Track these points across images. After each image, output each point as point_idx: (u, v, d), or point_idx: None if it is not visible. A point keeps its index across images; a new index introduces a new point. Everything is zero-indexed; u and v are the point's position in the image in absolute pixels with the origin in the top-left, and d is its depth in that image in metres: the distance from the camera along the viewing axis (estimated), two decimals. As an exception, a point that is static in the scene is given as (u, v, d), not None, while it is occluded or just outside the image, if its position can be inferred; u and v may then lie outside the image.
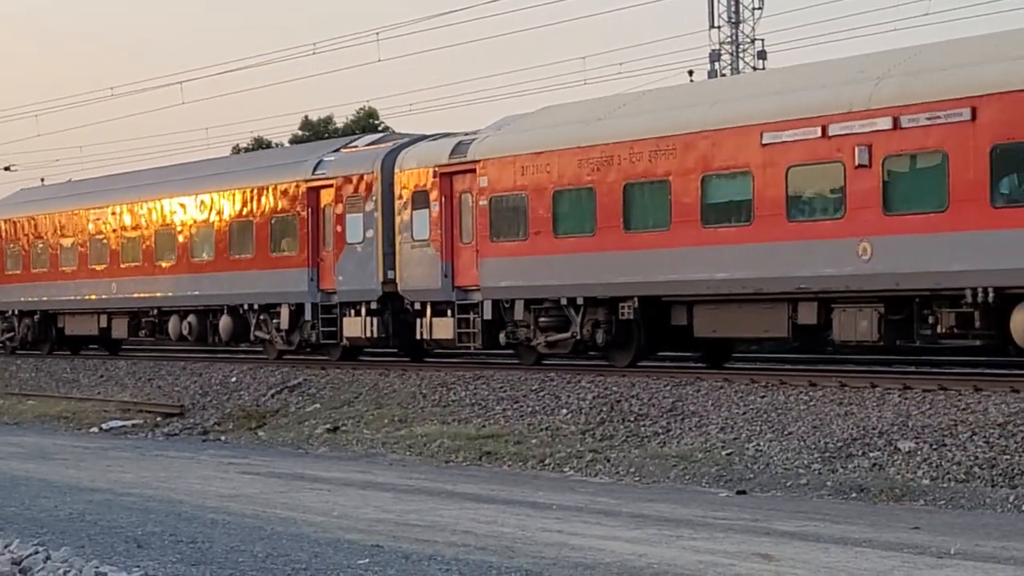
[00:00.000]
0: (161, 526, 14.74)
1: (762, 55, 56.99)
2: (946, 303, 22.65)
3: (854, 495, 18.23)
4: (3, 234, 46.98)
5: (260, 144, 64.73)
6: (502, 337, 29.83)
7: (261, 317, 36.35)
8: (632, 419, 23.65)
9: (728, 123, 25.41)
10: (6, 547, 11.36)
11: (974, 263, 21.96)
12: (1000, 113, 21.64)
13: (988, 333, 22.30)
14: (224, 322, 37.13)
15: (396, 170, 32.19)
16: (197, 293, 38.08)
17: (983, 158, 21.79)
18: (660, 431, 22.83)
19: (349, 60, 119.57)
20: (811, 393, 22.96)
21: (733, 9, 57.18)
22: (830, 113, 23.82)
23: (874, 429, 20.34)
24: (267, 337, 36.45)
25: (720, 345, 28.21)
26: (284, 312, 35.26)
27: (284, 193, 35.38)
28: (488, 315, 29.78)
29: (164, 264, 39.40)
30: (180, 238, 38.82)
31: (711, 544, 13.73)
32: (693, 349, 29.08)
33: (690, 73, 51.24)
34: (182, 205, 38.94)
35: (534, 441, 23.65)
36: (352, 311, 33.44)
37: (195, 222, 38.42)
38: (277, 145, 62.85)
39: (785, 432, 21.24)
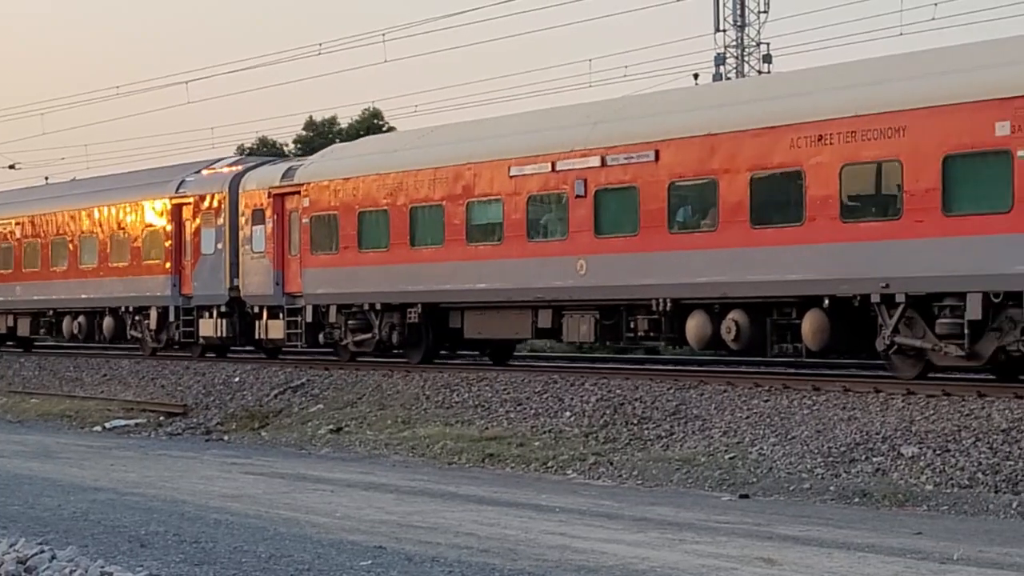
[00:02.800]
0: (164, 526, 14.74)
1: (767, 59, 56.99)
2: (642, 311, 27.16)
3: (857, 500, 18.23)
4: None
5: (265, 144, 64.80)
6: (321, 337, 34.49)
7: (136, 318, 41.21)
8: (635, 422, 23.65)
9: (486, 157, 30.07)
10: (11, 546, 11.35)
11: (658, 278, 26.55)
12: (675, 155, 26.29)
13: (671, 336, 27.14)
14: (107, 323, 42.15)
15: (241, 190, 37.20)
16: (84, 296, 43.05)
17: (663, 192, 26.42)
18: (663, 434, 22.83)
19: (355, 61, 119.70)
20: (815, 397, 22.96)
21: (739, 12, 57.17)
22: (558, 152, 28.45)
23: (877, 434, 20.34)
24: (140, 336, 41.26)
25: (500, 345, 32.91)
26: (153, 314, 40.26)
27: (153, 208, 40.37)
28: (310, 318, 34.56)
29: (58, 270, 44.33)
30: (71, 247, 43.75)
31: (714, 548, 13.72)
32: (471, 349, 34.05)
33: (695, 76, 51.26)
34: (73, 217, 43.92)
35: (537, 444, 23.65)
36: (207, 314, 38.40)
37: (83, 232, 43.31)
38: (282, 146, 62.98)
39: (788, 436, 21.24)
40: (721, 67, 56.02)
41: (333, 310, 33.91)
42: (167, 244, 39.56)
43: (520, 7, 49.34)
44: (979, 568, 12.78)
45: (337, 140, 56.00)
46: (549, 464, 22.31)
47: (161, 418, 31.52)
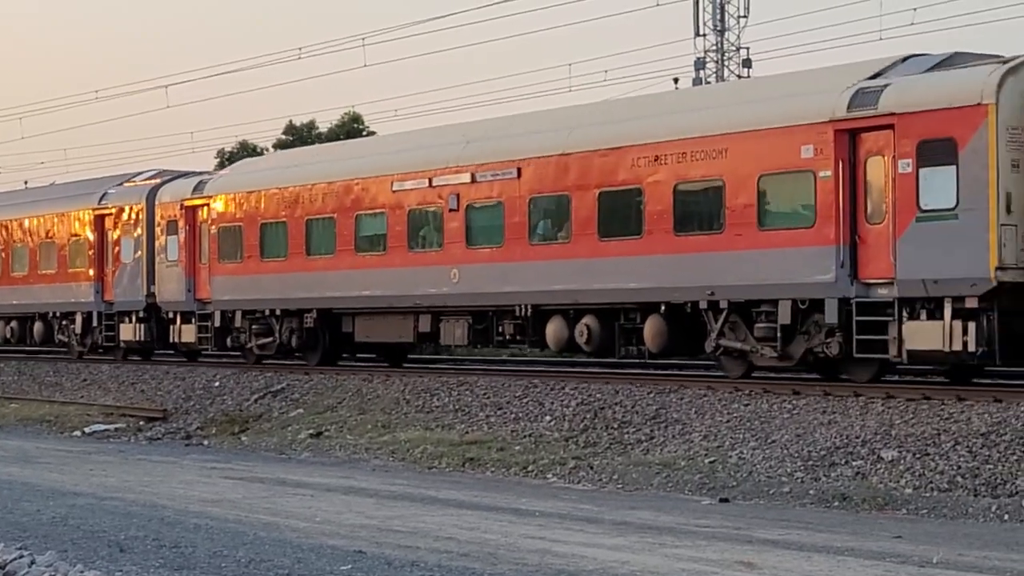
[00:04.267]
0: (144, 530, 14.71)
1: (747, 63, 57.07)
2: (508, 316, 29.41)
3: (837, 504, 18.26)
4: None
5: (245, 148, 64.70)
6: (228, 341, 36.76)
7: (63, 323, 43.43)
8: (615, 426, 23.66)
9: (372, 173, 32.44)
10: (-10, 551, 11.35)
11: (520, 286, 28.77)
12: (534, 173, 28.58)
13: (534, 339, 29.28)
14: (37, 327, 44.46)
15: (157, 202, 39.41)
16: (15, 302, 45.43)
17: (524, 206, 28.73)
18: (643, 438, 22.85)
19: (335, 65, 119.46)
20: (794, 401, 22.99)
21: (719, 17, 57.23)
22: (434, 168, 30.76)
23: (857, 438, 20.37)
24: (67, 340, 43.42)
25: (393, 349, 35.10)
26: (78, 319, 42.50)
27: (78, 219, 42.59)
28: (218, 323, 36.84)
29: None
30: (3, 255, 46.01)
31: (694, 552, 13.74)
32: (368, 351, 36.24)
33: (675, 81, 51.23)
34: (5, 226, 46.21)
35: (517, 448, 23.65)
36: (127, 319, 40.65)
37: (15, 241, 45.66)
38: (263, 149, 62.91)
39: (768, 440, 21.26)
40: (701, 71, 56.07)
41: (239, 315, 36.30)
42: (91, 253, 41.87)
43: (500, 12, 49.35)
44: (958, 571, 12.81)
45: (318, 143, 55.93)
46: (529, 468, 22.31)
47: (141, 423, 31.45)
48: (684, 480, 20.28)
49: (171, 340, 38.90)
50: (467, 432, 25.24)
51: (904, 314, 22.75)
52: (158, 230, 39.18)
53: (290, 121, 67.46)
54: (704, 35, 57.14)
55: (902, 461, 19.30)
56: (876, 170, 23.40)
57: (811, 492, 18.87)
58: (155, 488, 19.44)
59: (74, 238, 42.70)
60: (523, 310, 28.93)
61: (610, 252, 27.13)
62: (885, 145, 23.17)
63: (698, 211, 25.94)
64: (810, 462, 20.05)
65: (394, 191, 31.70)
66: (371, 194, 32.38)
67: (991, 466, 18.59)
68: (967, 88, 22.32)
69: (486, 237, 29.70)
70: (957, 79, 22.80)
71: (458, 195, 30.13)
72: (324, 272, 33.50)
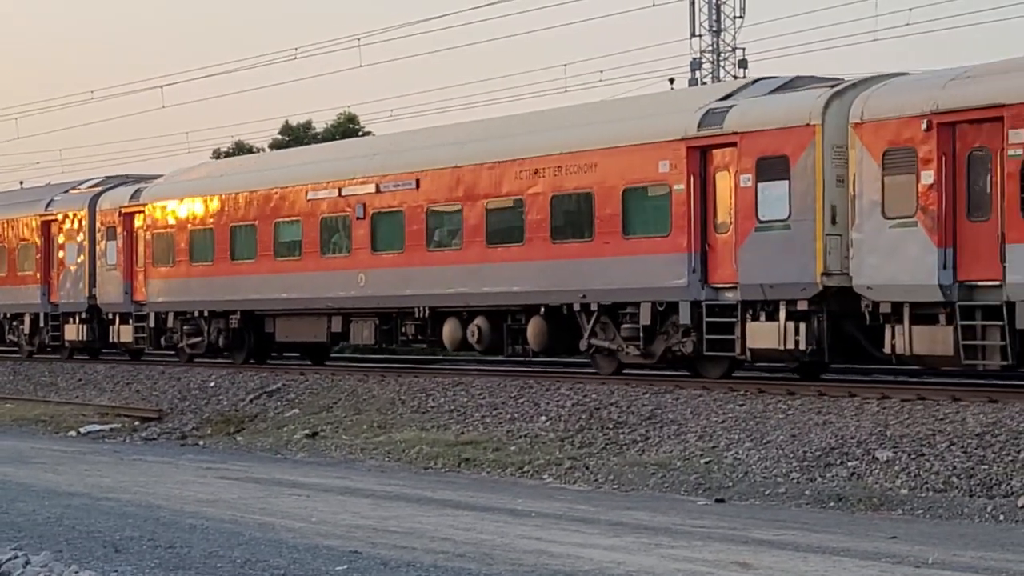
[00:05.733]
0: (139, 531, 14.70)
1: (743, 64, 57.03)
2: (409, 317, 31.53)
3: (832, 504, 18.26)
4: None
5: (241, 148, 64.69)
6: (163, 340, 39.08)
7: (13, 323, 45.85)
8: (611, 427, 23.66)
9: (289, 183, 34.75)
10: (-16, 552, 11.33)
11: (418, 289, 30.85)
12: (431, 184, 30.75)
13: (432, 339, 31.52)
14: None
15: (98, 209, 41.60)
16: None
17: (422, 215, 30.97)
18: (639, 439, 22.84)
19: (331, 65, 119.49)
20: (789, 402, 23.00)
21: (714, 18, 57.22)
22: (344, 179, 32.96)
23: (852, 438, 20.38)
24: (16, 340, 45.91)
25: (313, 348, 37.09)
26: (27, 320, 44.99)
27: (26, 225, 44.87)
28: (153, 324, 39.18)
29: None
30: None
31: (689, 552, 13.74)
32: (292, 351, 38.64)
33: (671, 81, 51.14)
34: None
35: (513, 448, 23.64)
36: (71, 319, 42.89)
37: None
38: (258, 150, 62.93)
39: (764, 441, 21.26)
40: (697, 72, 56.04)
41: (171, 316, 38.66)
42: (38, 257, 44.18)
43: (496, 12, 49.37)
44: (954, 572, 12.82)
45: (314, 143, 55.89)
46: (525, 469, 22.30)
47: (136, 423, 31.43)
48: (680, 480, 20.28)
49: (111, 340, 41.47)
50: (463, 432, 25.24)
51: (748, 316, 24.92)
52: (99, 236, 41.44)
53: (286, 121, 67.40)
54: (700, 36, 57.12)
55: (897, 461, 19.30)
56: (723, 184, 25.53)
57: (807, 492, 18.88)
58: (151, 488, 19.43)
59: (23, 243, 45.03)
60: (422, 311, 31.08)
61: (496, 258, 29.35)
62: (730, 161, 25.30)
63: (572, 220, 28.02)
64: (805, 462, 20.05)
65: (308, 200, 33.94)
66: (288, 203, 34.61)
67: (986, 466, 18.59)
68: (798, 110, 24.48)
69: (389, 244, 31.84)
70: (790, 102, 24.96)
71: (364, 204, 32.34)
72: (247, 276, 35.75)
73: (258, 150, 62.93)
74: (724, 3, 57.27)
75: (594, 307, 27.51)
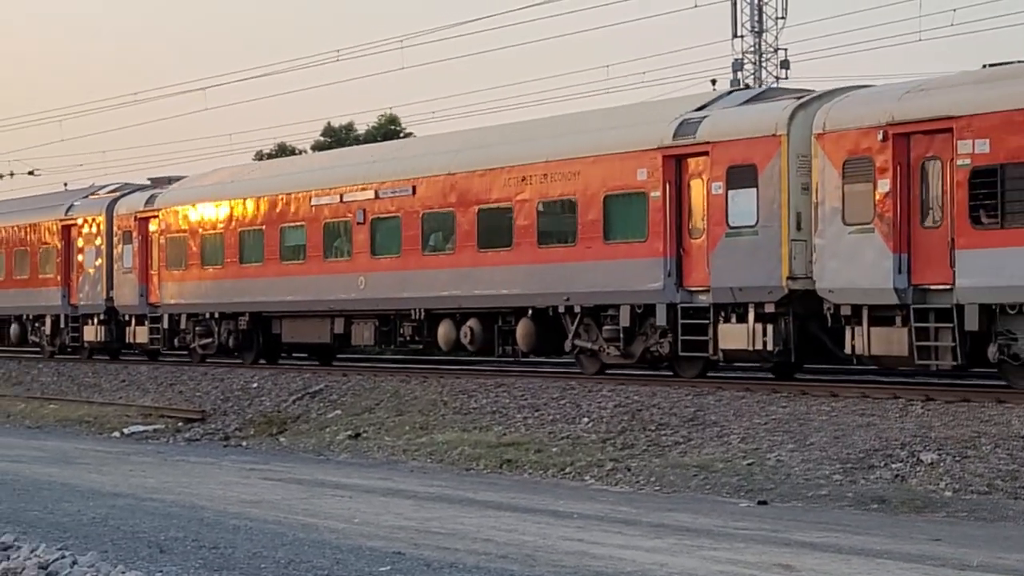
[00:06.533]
0: (183, 531, 14.75)
1: (785, 65, 56.92)
2: (407, 319, 32.70)
3: (875, 506, 18.20)
4: None
5: (283, 150, 64.86)
6: (176, 341, 40.47)
7: (35, 325, 47.35)
8: (653, 428, 23.64)
9: (295, 189, 35.98)
10: (33, 551, 11.39)
11: (415, 292, 32.10)
12: (427, 191, 32.10)
13: (429, 339, 32.51)
14: (13, 329, 48.59)
15: (115, 214, 43.19)
16: None
17: (418, 221, 32.27)
18: (681, 440, 22.82)
19: (373, 67, 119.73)
20: (832, 404, 22.96)
21: (756, 19, 57.10)
22: (345, 185, 34.43)
23: (896, 440, 20.31)
24: (39, 341, 47.41)
25: (326, 349, 37.94)
26: (48, 321, 46.49)
27: (48, 229, 46.36)
28: (167, 325, 40.59)
29: None
30: None
31: (731, 554, 13.71)
32: (300, 351, 39.57)
33: (713, 82, 51.00)
34: None
35: (555, 449, 23.65)
36: (90, 321, 44.40)
37: None
38: (300, 151, 63.12)
39: (806, 442, 21.21)
40: (739, 73, 55.95)
41: (184, 318, 40.06)
42: (58, 260, 45.83)
43: (539, 13, 49.37)
44: (997, 574, 12.76)
45: (356, 145, 56.01)
46: (567, 470, 22.31)
47: (180, 424, 31.56)
48: (722, 482, 20.24)
49: (127, 340, 43.08)
50: (504, 434, 25.26)
51: (720, 318, 26.05)
52: (116, 240, 43.03)
53: (328, 123, 67.60)
54: (742, 36, 57.06)
55: (941, 464, 19.24)
56: (696, 191, 26.71)
57: (849, 494, 18.82)
58: (194, 489, 19.49)
59: (44, 246, 46.62)
60: (418, 313, 32.30)
61: (487, 262, 30.60)
62: (703, 169, 26.45)
63: (556, 226, 29.36)
64: (848, 464, 20.00)
65: (312, 205, 35.30)
66: (293, 208, 36.04)
67: (1030, 469, 18.50)
68: (765, 121, 25.54)
69: (387, 248, 33.18)
70: (758, 112, 26.08)
71: (364, 210, 33.72)
72: (255, 279, 37.19)
73: (300, 152, 63.12)
74: (766, 4, 57.18)
75: (577, 309, 28.79)
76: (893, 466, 19.60)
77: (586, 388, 26.82)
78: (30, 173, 68.84)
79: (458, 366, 35.29)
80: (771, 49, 57.34)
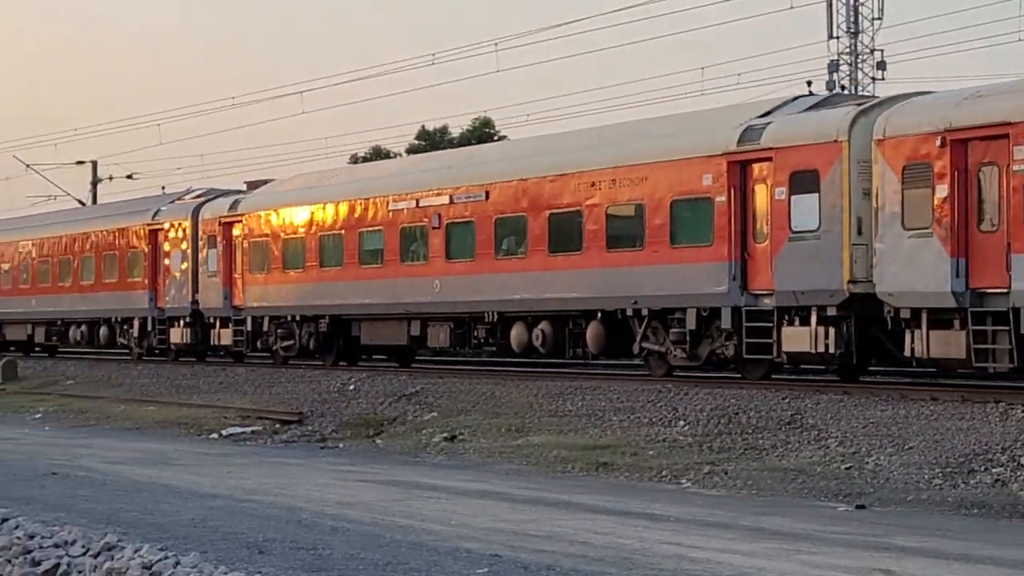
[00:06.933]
0: (281, 532, 14.82)
1: (881, 66, 56.50)
2: (480, 321, 33.39)
3: (975, 511, 18.00)
4: None
5: (378, 153, 65.15)
6: (259, 343, 41.52)
7: (124, 327, 48.34)
8: (750, 431, 23.54)
9: (373, 194, 36.86)
10: (136, 551, 11.49)
11: (488, 295, 32.76)
12: (499, 196, 32.77)
13: (502, 342, 33.24)
14: (103, 331, 49.47)
15: (200, 219, 44.11)
16: (84, 308, 50.37)
17: (491, 225, 32.93)
18: (778, 444, 22.70)
19: (468, 70, 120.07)
20: (932, 407, 22.75)
21: (852, 19, 56.70)
22: (422, 191, 35.20)
23: (997, 445, 20.09)
24: (127, 343, 48.56)
25: (404, 351, 38.79)
26: (136, 324, 47.49)
27: (135, 233, 47.43)
28: (250, 327, 41.54)
29: (64, 285, 51.67)
30: (74, 265, 51.03)
31: (830, 559, 13.61)
32: (379, 353, 40.55)
33: (808, 84, 50.52)
34: (75, 239, 51.24)
35: (651, 452, 23.59)
36: (176, 324, 45.39)
37: (84, 252, 50.48)
38: (395, 155, 63.38)
39: (905, 447, 21.03)
40: (834, 74, 55.56)
41: (266, 320, 40.97)
42: (145, 264, 46.75)
43: (633, 15, 49.31)
44: (1102, 581, 12.59)
45: (449, 148, 56.19)
46: (663, 473, 22.23)
47: (277, 426, 31.71)
48: (819, 486, 20.10)
49: (212, 343, 44.12)
50: (600, 436, 25.22)
51: (783, 321, 26.47)
52: (201, 244, 44.02)
53: (422, 126, 67.86)
54: (838, 37, 56.68)
55: (1043, 468, 19.00)
56: (760, 196, 27.20)
57: (949, 499, 18.63)
58: (291, 490, 19.58)
59: (132, 250, 47.72)
60: (491, 316, 33.03)
61: (557, 266, 31.25)
62: (767, 175, 26.91)
63: (625, 230, 29.89)
64: (948, 469, 19.80)
65: (390, 210, 36.09)
66: (371, 213, 36.77)
67: None
68: (827, 127, 26.04)
69: (461, 252, 33.93)
70: (820, 119, 26.54)
71: (440, 214, 34.41)
72: (334, 282, 37.96)
73: (395, 155, 63.40)
74: (862, 4, 56.78)
75: (645, 312, 29.34)
76: (994, 471, 19.39)
77: (682, 391, 26.73)
78: (129, 177, 69.60)
79: (536, 368, 35.73)
80: (867, 50, 56.94)
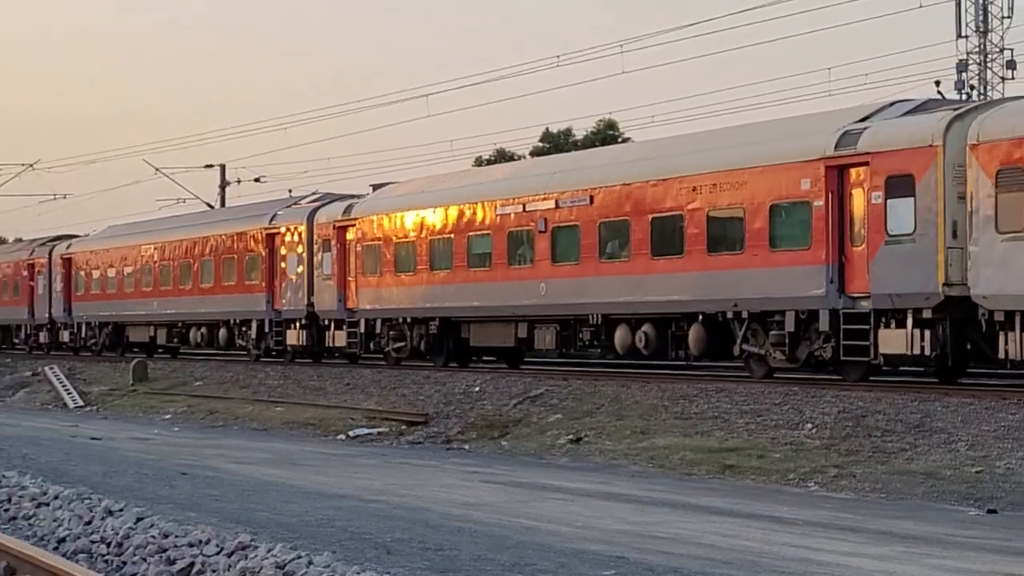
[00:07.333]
0: (408, 533, 14.90)
1: (1011, 65, 55.76)
2: (585, 324, 33.96)
3: (1110, 516, 17.73)
4: (86, 263, 61.39)
5: (502, 155, 65.31)
6: (372, 345, 42.34)
7: (242, 329, 49.25)
8: (877, 434, 23.33)
9: (481, 199, 37.55)
10: (269, 551, 11.61)
11: (592, 297, 33.35)
12: (603, 200, 33.31)
13: (606, 344, 33.74)
14: (222, 333, 50.56)
15: (315, 223, 45.06)
16: (203, 311, 51.45)
17: (595, 229, 33.42)
18: (906, 447, 22.48)
19: (592, 72, 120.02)
20: (1065, 410, 22.42)
21: (981, 18, 55.99)
22: (528, 195, 35.76)
23: None
24: (245, 344, 49.30)
25: (512, 352, 39.15)
26: (254, 325, 48.41)
27: (253, 237, 48.39)
28: (363, 329, 42.28)
29: (185, 288, 52.78)
30: (194, 268, 52.17)
31: (961, 563, 13.47)
32: (489, 355, 40.92)
33: (936, 84, 50.04)
34: (195, 243, 52.42)
35: (777, 455, 23.46)
36: (293, 325, 46.11)
37: (203, 255, 51.64)
38: (519, 157, 63.50)
39: (1037, 450, 20.73)
40: (963, 74, 54.90)
41: (379, 322, 41.69)
42: (263, 267, 47.57)
43: (759, 16, 49.04)
44: None
45: (573, 151, 56.20)
46: (789, 476, 22.11)
47: (402, 427, 31.92)
48: (949, 490, 19.89)
49: (327, 344, 44.81)
50: (725, 439, 25.13)
51: (880, 323, 26.71)
52: (316, 247, 44.84)
53: (547, 128, 67.98)
54: (966, 36, 55.99)
55: None
56: (857, 200, 27.50)
57: (1083, 504, 18.36)
58: (417, 492, 19.70)
59: (250, 254, 48.63)
60: (595, 319, 33.49)
61: (659, 269, 31.62)
62: (864, 179, 27.26)
63: (725, 234, 30.27)
64: (1081, 473, 19.50)
65: (497, 214, 36.71)
66: (480, 217, 37.39)
67: None
68: (922, 132, 26.28)
69: (567, 255, 34.38)
70: (915, 124, 26.74)
71: (545, 218, 34.98)
72: (444, 285, 38.68)
73: (519, 157, 63.56)
74: (991, 3, 56.04)
75: (744, 315, 29.76)
76: None
77: (809, 394, 26.56)
78: (256, 180, 70.33)
79: (634, 370, 35.87)
80: (996, 49, 56.20)
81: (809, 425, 24.67)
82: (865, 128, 27.50)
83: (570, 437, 27.65)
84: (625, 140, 61.54)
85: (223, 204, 69.40)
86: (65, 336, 63.59)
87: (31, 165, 73.14)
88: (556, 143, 65.84)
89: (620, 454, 25.60)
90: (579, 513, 17.25)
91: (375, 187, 46.00)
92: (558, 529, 15.56)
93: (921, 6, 46.60)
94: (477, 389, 33.74)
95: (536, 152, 65.07)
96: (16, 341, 69.66)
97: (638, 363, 36.40)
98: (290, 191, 61.04)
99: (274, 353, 47.90)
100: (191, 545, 12.43)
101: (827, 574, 12.71)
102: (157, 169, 69.25)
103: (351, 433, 31.79)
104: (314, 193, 49.09)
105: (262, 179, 70.16)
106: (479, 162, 64.76)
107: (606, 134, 64.67)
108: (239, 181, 71.61)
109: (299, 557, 11.14)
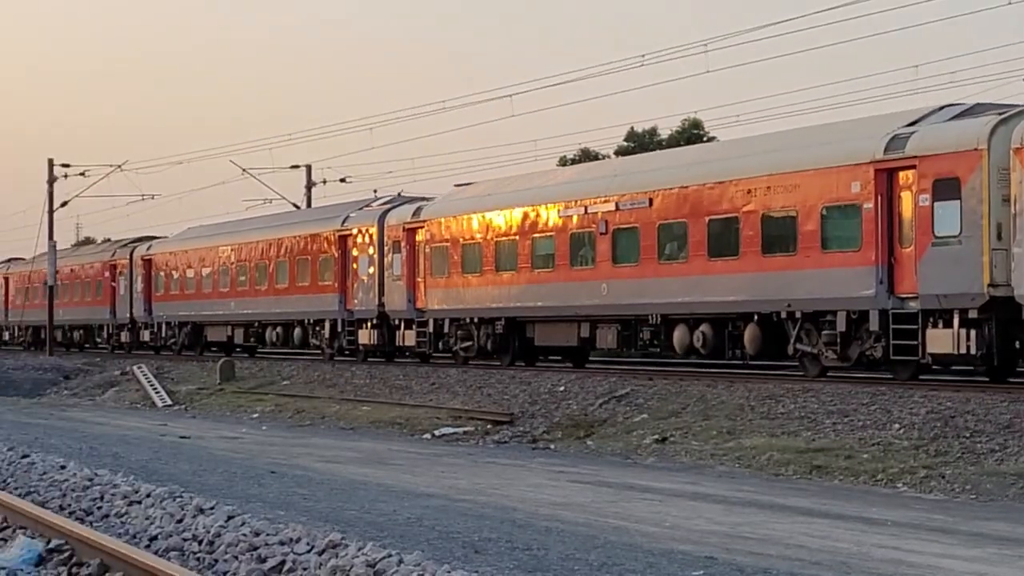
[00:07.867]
0: (496, 532, 14.93)
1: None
2: (645, 323, 34.75)
3: None
4: (165, 264, 62.80)
5: (586, 155, 65.23)
6: (440, 344, 43.06)
7: (316, 328, 50.21)
8: (967, 435, 23.13)
9: (544, 201, 38.39)
10: (359, 550, 11.66)
11: (652, 298, 34.13)
12: (662, 203, 34.06)
13: (666, 343, 34.52)
14: (296, 332, 51.55)
15: (385, 225, 46.00)
16: (279, 311, 52.51)
17: (655, 231, 34.16)
18: (997, 448, 22.28)
19: (677, 71, 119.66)
20: None
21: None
22: (590, 198, 36.63)
23: None
24: (318, 344, 50.26)
25: (575, 351, 39.76)
26: (327, 325, 49.33)
27: (326, 239, 49.29)
28: (432, 329, 43.18)
29: (261, 288, 53.83)
30: (270, 269, 53.20)
31: (1055, 565, 13.34)
32: (554, 354, 41.64)
33: (1026, 80, 49.80)
34: (270, 244, 53.50)
35: (865, 456, 23.31)
36: (364, 325, 47.04)
37: (278, 257, 52.68)
38: (603, 157, 63.40)
39: None
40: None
41: (447, 322, 42.59)
42: (335, 268, 48.51)
43: (844, 15, 48.68)
44: None
45: (658, 150, 56.08)
46: (878, 477, 21.97)
47: (488, 426, 31.97)
48: (1041, 491, 19.68)
49: (397, 343, 45.72)
50: (813, 440, 24.99)
51: (928, 323, 27.25)
52: (386, 249, 45.81)
53: (631, 128, 67.79)
54: (1056, 33, 55.37)
55: None
56: (906, 203, 28.05)
57: None
58: (505, 491, 19.73)
59: (323, 255, 49.50)
60: (655, 319, 34.37)
61: (716, 270, 32.34)
62: (912, 182, 27.78)
63: (778, 235, 30.85)
64: None
65: (560, 216, 37.45)
66: (543, 219, 38.26)
67: None
68: (968, 135, 26.75)
69: (627, 256, 35.10)
70: (962, 128, 27.17)
71: (607, 221, 35.73)
72: (509, 286, 39.57)
73: (603, 157, 63.43)
74: (1082, -1, 55.34)
75: (798, 315, 30.46)
76: None
77: (897, 394, 26.38)
78: (342, 180, 70.49)
79: (694, 368, 36.76)
80: (1087, 45, 55.53)
81: (897, 425, 24.50)
82: (913, 132, 28.00)
83: (656, 437, 27.61)
84: (710, 139, 61.29)
85: (309, 204, 69.64)
86: (145, 336, 64.73)
87: (119, 166, 73.40)
88: (641, 142, 65.66)
89: (707, 454, 25.53)
90: (668, 513, 17.24)
91: (458, 187, 46.16)
92: (647, 529, 15.55)
93: (1009, 3, 46.02)
94: (562, 388, 33.75)
95: (620, 152, 64.92)
96: (98, 340, 70.71)
97: (695, 363, 37.44)
98: (375, 191, 61.27)
99: (347, 352, 48.82)
100: (282, 543, 12.50)
101: (919, 575, 12.62)
102: (244, 170, 69.57)
103: (437, 432, 31.88)
104: (385, 195, 50.04)
105: (347, 179, 70.35)
106: (563, 162, 64.68)
107: (691, 133, 64.43)
108: (324, 182, 71.85)
109: (389, 556, 11.17)
